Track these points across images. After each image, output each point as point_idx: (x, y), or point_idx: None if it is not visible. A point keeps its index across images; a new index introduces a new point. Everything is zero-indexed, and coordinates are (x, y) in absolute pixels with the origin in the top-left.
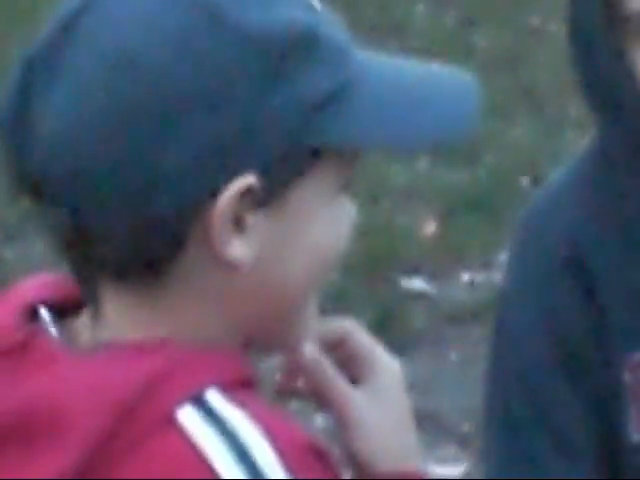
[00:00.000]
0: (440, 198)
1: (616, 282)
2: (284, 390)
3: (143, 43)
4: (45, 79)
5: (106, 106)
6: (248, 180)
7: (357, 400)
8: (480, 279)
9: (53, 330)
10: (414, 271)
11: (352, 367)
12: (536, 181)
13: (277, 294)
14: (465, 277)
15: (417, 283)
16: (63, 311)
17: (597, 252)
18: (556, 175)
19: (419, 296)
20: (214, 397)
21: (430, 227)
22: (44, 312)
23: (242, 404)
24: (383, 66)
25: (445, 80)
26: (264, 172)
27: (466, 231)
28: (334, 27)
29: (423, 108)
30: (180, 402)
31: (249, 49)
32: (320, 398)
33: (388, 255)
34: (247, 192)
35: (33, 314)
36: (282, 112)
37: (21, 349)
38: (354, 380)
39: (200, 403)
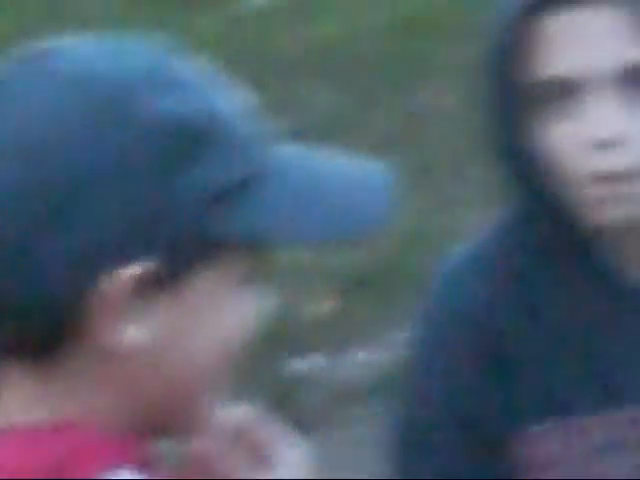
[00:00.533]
0: (335, 276)
1: (523, 363)
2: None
3: (42, 131)
4: None
5: (26, 165)
6: (145, 267)
7: None
8: (376, 357)
9: None
10: (309, 350)
11: (256, 453)
12: (429, 259)
13: (176, 380)
14: (360, 355)
15: (311, 362)
16: None
17: (507, 328)
18: (465, 247)
19: (312, 375)
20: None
21: (325, 305)
22: None
23: None
24: (296, 161)
25: (358, 176)
26: (164, 259)
27: (361, 309)
28: (245, 120)
29: (329, 205)
30: None
31: (149, 140)
32: None
33: (282, 333)
34: (144, 278)
35: None
36: (180, 204)
37: None
38: (256, 464)
39: None
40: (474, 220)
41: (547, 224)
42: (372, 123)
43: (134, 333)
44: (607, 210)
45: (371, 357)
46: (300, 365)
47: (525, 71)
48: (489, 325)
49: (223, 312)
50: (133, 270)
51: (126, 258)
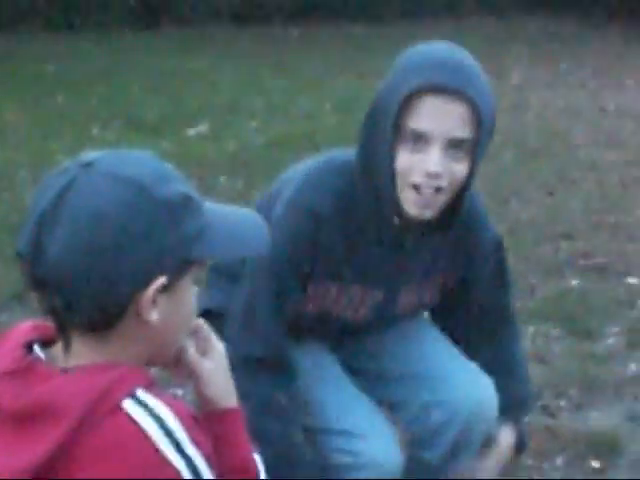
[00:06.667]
0: None
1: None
2: (176, 376)
3: (103, 212)
4: (49, 227)
5: (85, 244)
6: (162, 280)
7: (204, 363)
8: None
9: (43, 357)
10: None
11: (202, 345)
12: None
13: (169, 337)
14: None
15: None
16: (46, 344)
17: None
18: (329, 161)
19: None
20: (142, 394)
21: None
22: (37, 347)
23: (157, 396)
24: (217, 209)
25: (254, 219)
26: (169, 274)
27: None
28: (194, 194)
29: (248, 236)
30: (123, 398)
31: (162, 208)
32: (188, 369)
33: None
34: (160, 286)
35: (29, 347)
36: (179, 244)
37: (27, 370)
38: (203, 352)
39: (135, 398)
40: None
41: (373, 205)
42: None
43: (155, 315)
44: (419, 208)
45: None
46: None
47: (403, 120)
48: (323, 229)
49: (187, 297)
50: (157, 283)
51: (154, 276)
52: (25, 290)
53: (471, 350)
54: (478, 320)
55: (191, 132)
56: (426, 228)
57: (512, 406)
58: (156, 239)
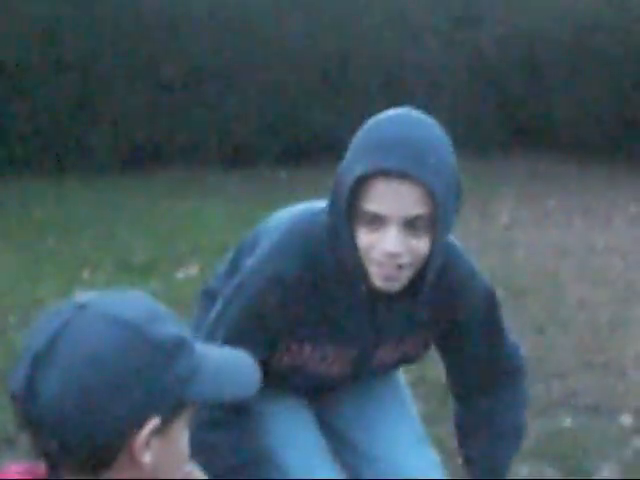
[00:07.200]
0: None
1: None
2: None
3: (98, 354)
4: (44, 369)
5: (80, 386)
6: (156, 421)
7: None
8: None
9: None
10: None
11: None
12: None
13: (160, 474)
14: None
15: None
16: None
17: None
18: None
19: None
20: None
21: None
22: None
23: None
24: (208, 350)
25: (244, 359)
26: (163, 416)
27: None
28: (187, 335)
29: (239, 376)
30: None
31: (156, 350)
32: None
33: None
34: (153, 428)
35: None
36: (171, 384)
37: None
38: None
39: None
40: None
41: (342, 274)
42: None
43: (148, 457)
44: (383, 281)
45: None
46: None
47: (358, 201)
48: (290, 293)
49: (184, 442)
50: (151, 425)
51: (148, 417)
52: (16, 433)
53: (464, 405)
54: (472, 374)
55: (180, 274)
56: (396, 296)
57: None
58: (150, 380)
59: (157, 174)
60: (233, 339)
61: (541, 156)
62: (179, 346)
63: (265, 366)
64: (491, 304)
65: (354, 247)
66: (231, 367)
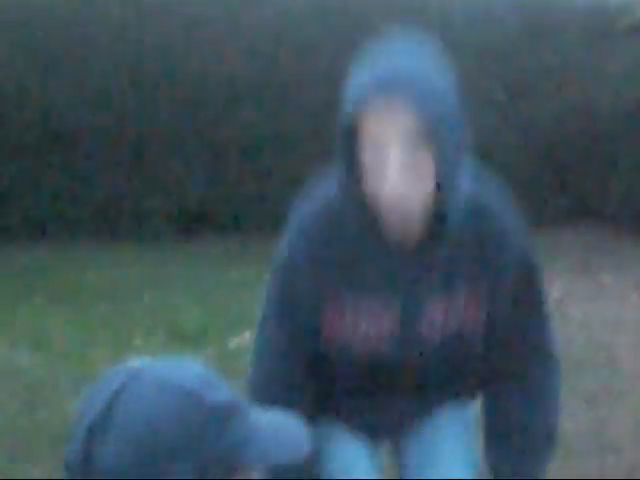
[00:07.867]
0: None
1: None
2: None
3: (154, 421)
4: (100, 436)
5: (137, 453)
6: None
7: None
8: None
9: None
10: None
11: None
12: None
13: None
14: None
15: None
16: None
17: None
18: (310, 204)
19: None
20: None
21: None
22: None
23: None
24: (261, 414)
25: (294, 423)
26: None
27: None
28: (239, 395)
29: (291, 440)
30: None
31: (211, 415)
32: None
33: None
34: None
35: None
36: (227, 449)
37: None
38: None
39: None
40: None
41: (358, 213)
42: None
43: None
44: (398, 223)
45: None
46: None
47: (358, 147)
48: (321, 266)
49: None
50: None
51: None
52: None
53: (493, 401)
54: (504, 351)
55: (232, 343)
56: (420, 242)
57: None
58: (206, 445)
59: (211, 240)
60: (280, 312)
61: (596, 229)
62: (233, 411)
63: (318, 362)
64: (530, 270)
65: (363, 195)
66: (283, 430)
